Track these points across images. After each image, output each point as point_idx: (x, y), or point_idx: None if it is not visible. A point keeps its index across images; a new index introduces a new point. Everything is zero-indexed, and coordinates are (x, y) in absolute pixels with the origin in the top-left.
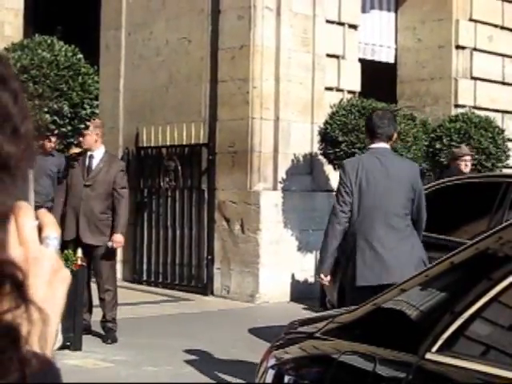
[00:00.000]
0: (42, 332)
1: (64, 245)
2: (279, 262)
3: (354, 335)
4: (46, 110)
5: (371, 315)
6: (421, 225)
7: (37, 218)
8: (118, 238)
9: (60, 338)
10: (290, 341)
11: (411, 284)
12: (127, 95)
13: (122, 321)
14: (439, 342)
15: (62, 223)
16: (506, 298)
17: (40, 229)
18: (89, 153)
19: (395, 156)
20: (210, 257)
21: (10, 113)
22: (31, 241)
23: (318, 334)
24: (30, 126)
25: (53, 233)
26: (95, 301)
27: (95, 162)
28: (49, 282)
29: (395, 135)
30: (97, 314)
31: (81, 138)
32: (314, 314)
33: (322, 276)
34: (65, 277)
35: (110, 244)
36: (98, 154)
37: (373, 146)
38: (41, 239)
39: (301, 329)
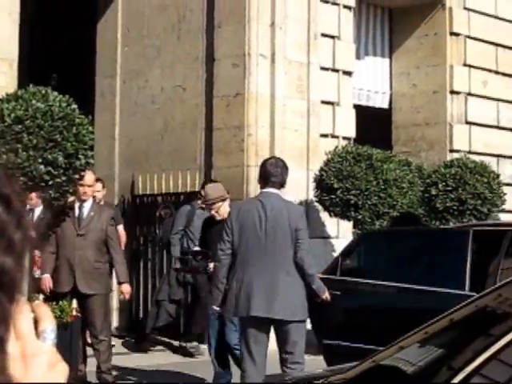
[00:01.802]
0: None
1: (58, 296)
2: None
3: None
4: (40, 160)
5: (369, 374)
6: (302, 266)
7: (32, 310)
8: (126, 289)
9: None
10: None
11: (410, 341)
12: (123, 143)
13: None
14: None
15: (56, 275)
16: (506, 355)
17: (36, 321)
18: (78, 203)
19: (282, 201)
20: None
21: (1, 220)
22: (27, 335)
23: None
24: (26, 233)
25: (49, 326)
26: (89, 351)
27: (86, 212)
28: (46, 377)
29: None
30: (91, 364)
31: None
32: (310, 372)
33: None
34: (62, 370)
35: (121, 297)
36: (88, 203)
37: (264, 190)
38: (37, 333)
39: None
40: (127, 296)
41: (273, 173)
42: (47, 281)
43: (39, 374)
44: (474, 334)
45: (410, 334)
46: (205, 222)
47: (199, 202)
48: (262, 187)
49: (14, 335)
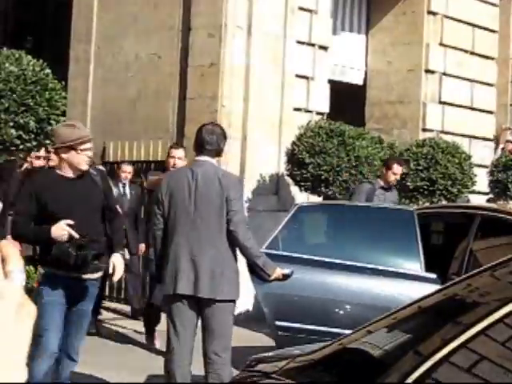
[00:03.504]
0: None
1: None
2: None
3: (314, 377)
4: (11, 124)
5: (334, 356)
6: (235, 238)
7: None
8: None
9: None
10: (247, 380)
11: (378, 326)
12: (95, 109)
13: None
14: None
15: None
16: (474, 344)
17: (3, 261)
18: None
19: (215, 169)
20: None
21: None
22: None
23: (275, 375)
24: None
25: (17, 266)
26: None
27: None
28: (14, 317)
29: (223, 151)
30: None
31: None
32: (275, 352)
33: None
34: (30, 310)
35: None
36: None
37: (197, 158)
38: (5, 273)
39: (259, 367)
40: None
41: (208, 140)
42: None
43: (8, 314)
44: (443, 323)
45: (378, 319)
46: None
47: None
48: (197, 155)
49: None
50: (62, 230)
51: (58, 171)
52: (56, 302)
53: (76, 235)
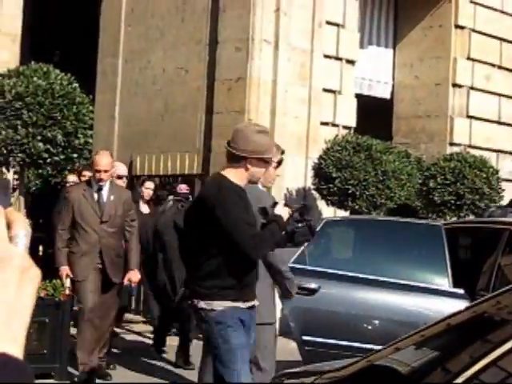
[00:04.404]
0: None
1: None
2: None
3: None
4: (39, 138)
5: (363, 373)
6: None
7: (5, 215)
8: (137, 275)
9: None
10: None
11: (406, 343)
12: (122, 123)
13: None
14: None
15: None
16: (503, 363)
17: (8, 226)
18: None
19: None
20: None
21: None
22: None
23: None
24: None
25: (22, 231)
26: None
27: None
28: (18, 280)
29: None
30: None
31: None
32: (303, 367)
33: None
34: (34, 275)
35: (127, 283)
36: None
37: None
38: (10, 237)
39: (287, 383)
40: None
41: None
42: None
43: (12, 278)
44: (472, 340)
45: (407, 336)
46: None
47: None
48: None
49: None
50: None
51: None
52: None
53: None
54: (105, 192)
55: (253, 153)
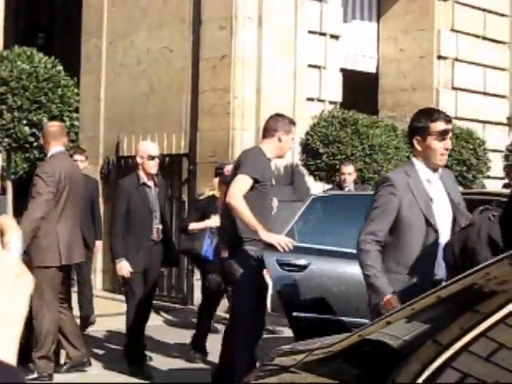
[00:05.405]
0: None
1: None
2: None
3: (333, 369)
4: (24, 122)
5: (353, 348)
6: None
7: None
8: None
9: None
10: (266, 374)
11: (397, 316)
12: (108, 104)
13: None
14: (426, 374)
15: None
16: (493, 333)
17: (2, 233)
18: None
19: None
20: (190, 267)
21: None
22: None
23: (294, 368)
24: None
25: (15, 237)
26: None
27: None
28: (11, 287)
29: None
30: None
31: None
32: (293, 344)
33: None
34: (27, 281)
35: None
36: None
37: None
38: (3, 244)
39: (278, 361)
40: None
41: None
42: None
43: (5, 284)
44: (462, 312)
45: (397, 310)
46: None
47: None
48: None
49: None
50: None
51: None
52: None
53: None
54: None
55: None
